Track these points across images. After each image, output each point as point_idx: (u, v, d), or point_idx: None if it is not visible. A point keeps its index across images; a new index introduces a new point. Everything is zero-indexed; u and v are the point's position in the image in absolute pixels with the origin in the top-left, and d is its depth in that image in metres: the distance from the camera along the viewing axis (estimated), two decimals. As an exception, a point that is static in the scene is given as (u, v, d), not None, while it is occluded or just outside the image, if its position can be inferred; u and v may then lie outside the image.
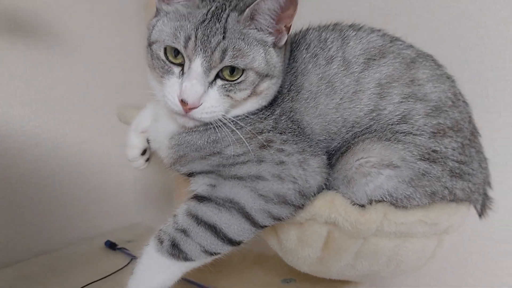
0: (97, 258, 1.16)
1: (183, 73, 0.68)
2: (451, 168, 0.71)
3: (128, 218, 1.49)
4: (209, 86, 0.67)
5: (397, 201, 0.69)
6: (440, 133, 0.72)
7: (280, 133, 0.71)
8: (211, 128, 0.71)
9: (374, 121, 0.73)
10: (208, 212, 0.67)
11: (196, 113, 0.67)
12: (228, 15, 0.67)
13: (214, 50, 0.65)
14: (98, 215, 1.41)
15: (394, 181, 0.68)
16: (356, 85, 0.74)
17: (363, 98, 0.73)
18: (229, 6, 0.68)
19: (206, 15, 0.67)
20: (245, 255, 1.13)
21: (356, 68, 0.74)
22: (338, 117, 0.74)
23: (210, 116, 0.69)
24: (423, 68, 0.76)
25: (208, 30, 0.66)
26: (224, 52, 0.66)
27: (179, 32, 0.66)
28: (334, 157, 0.73)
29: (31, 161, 1.20)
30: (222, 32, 0.66)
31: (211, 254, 0.68)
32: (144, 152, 0.92)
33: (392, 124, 0.72)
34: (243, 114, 0.72)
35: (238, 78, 0.68)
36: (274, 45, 0.72)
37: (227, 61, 0.66)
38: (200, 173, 0.72)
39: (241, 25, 0.68)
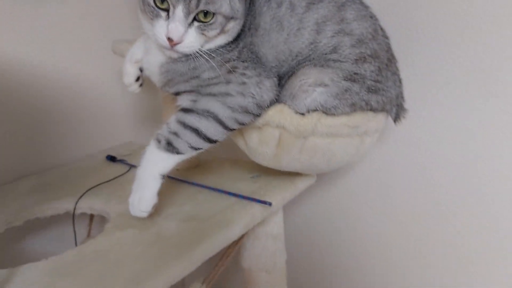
0: (101, 169, 1.37)
1: (168, 17, 0.89)
2: (368, 86, 0.97)
3: (123, 138, 1.72)
4: (188, 27, 0.90)
5: (327, 110, 0.94)
6: (361, 59, 0.96)
7: (243, 61, 0.96)
8: (190, 58, 0.94)
9: (312, 51, 0.97)
10: (192, 119, 0.93)
11: (179, 47, 0.90)
12: None
13: None
14: (98, 136, 1.62)
15: (325, 95, 0.93)
16: (299, 23, 0.97)
17: (305, 33, 0.97)
18: None
19: None
20: (222, 161, 1.40)
21: (300, 10, 0.97)
22: (286, 49, 0.98)
23: (190, 50, 0.91)
24: (350, 10, 0.98)
25: None
26: (199, 0, 0.87)
27: None
28: (283, 79, 0.99)
29: (40, 90, 1.38)
30: None
31: (196, 149, 0.95)
32: (138, 79, 1.15)
33: (325, 54, 0.96)
34: (214, 48, 0.95)
35: (210, 20, 0.90)
36: None
37: (201, 7, 0.87)
38: (184, 92, 0.97)
39: None
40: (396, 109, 1.07)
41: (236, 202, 1.08)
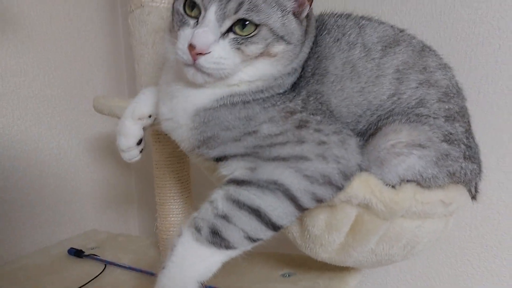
0: (64, 267, 1.04)
1: (197, 24, 0.67)
2: (464, 151, 0.76)
3: (84, 225, 1.36)
4: (220, 37, 0.66)
5: (425, 181, 0.71)
6: (451, 117, 0.76)
7: (312, 114, 0.70)
8: (239, 103, 0.70)
9: (396, 104, 0.75)
10: (250, 195, 0.63)
11: (203, 61, 0.66)
12: None
13: (230, 0, 0.65)
14: (54, 222, 1.28)
15: (424, 160, 0.70)
16: (377, 70, 0.75)
17: (385, 82, 0.75)
18: None
19: None
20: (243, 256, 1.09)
21: (376, 54, 0.76)
22: (363, 100, 0.75)
23: (218, 67, 0.67)
24: (431, 56, 0.80)
25: None
26: (240, 4, 0.65)
27: None
28: (362, 139, 0.74)
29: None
30: None
31: (253, 240, 0.65)
32: (139, 142, 0.85)
33: (411, 108, 0.75)
34: (260, 78, 0.71)
35: (251, 32, 0.67)
36: (295, 14, 0.71)
37: (241, 13, 0.65)
38: (235, 156, 0.68)
39: None
40: (475, 183, 0.85)
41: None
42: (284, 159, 0.65)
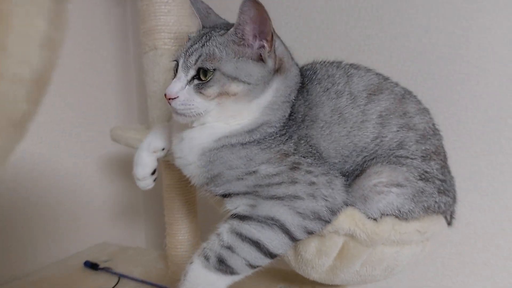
0: (81, 279, 1.13)
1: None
2: (438, 186, 0.86)
3: (95, 238, 1.46)
4: (187, 84, 0.80)
5: (403, 214, 0.81)
6: (428, 156, 0.87)
7: (304, 157, 0.81)
8: (237, 145, 0.81)
9: (379, 146, 0.86)
10: (251, 229, 0.74)
11: (174, 104, 0.79)
12: (215, 32, 0.82)
13: (191, 54, 0.80)
14: (67, 236, 1.37)
15: (402, 198, 0.81)
16: (362, 116, 0.86)
17: (369, 126, 0.86)
18: (218, 28, 0.84)
19: (201, 33, 0.84)
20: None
21: (362, 101, 0.87)
22: (349, 143, 0.85)
23: (186, 108, 0.80)
24: (411, 103, 0.90)
25: (194, 41, 0.83)
26: (199, 56, 0.79)
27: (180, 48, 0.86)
28: (348, 178, 0.85)
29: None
30: (204, 42, 0.80)
31: (254, 267, 0.76)
32: (153, 172, 0.96)
33: (392, 149, 0.85)
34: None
35: (208, 78, 0.79)
36: (252, 57, 0.81)
37: (199, 63, 0.79)
38: (238, 194, 0.79)
39: (222, 38, 0.80)
40: (451, 211, 0.96)
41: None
42: (279, 198, 0.76)
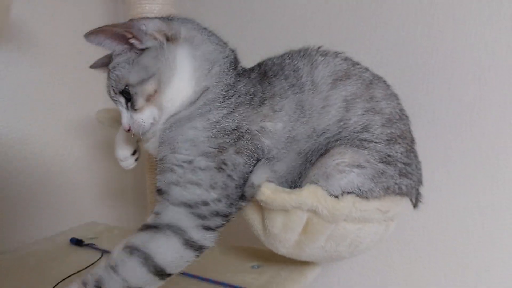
0: (66, 255, 1.18)
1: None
2: (400, 169, 0.91)
3: (84, 217, 1.51)
4: (128, 111, 0.89)
5: (363, 193, 0.85)
6: (392, 140, 0.91)
7: (237, 152, 0.88)
8: (183, 119, 0.89)
9: (342, 128, 0.90)
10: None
11: (134, 132, 0.90)
12: (110, 63, 0.90)
13: (110, 89, 0.90)
14: (56, 215, 1.43)
15: (362, 177, 0.85)
16: (324, 101, 0.90)
17: (331, 111, 0.90)
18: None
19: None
20: (213, 249, 1.24)
21: (324, 87, 0.91)
22: (309, 128, 0.90)
23: (141, 127, 0.88)
24: (378, 88, 0.95)
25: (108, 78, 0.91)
26: (112, 86, 0.89)
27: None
28: (313, 156, 0.89)
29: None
30: (109, 75, 0.89)
31: None
32: (134, 152, 1.01)
33: (357, 132, 0.90)
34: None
35: (131, 96, 0.87)
36: (137, 52, 0.87)
37: (117, 91, 0.88)
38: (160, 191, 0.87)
39: (114, 62, 0.88)
40: (416, 194, 1.01)
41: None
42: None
